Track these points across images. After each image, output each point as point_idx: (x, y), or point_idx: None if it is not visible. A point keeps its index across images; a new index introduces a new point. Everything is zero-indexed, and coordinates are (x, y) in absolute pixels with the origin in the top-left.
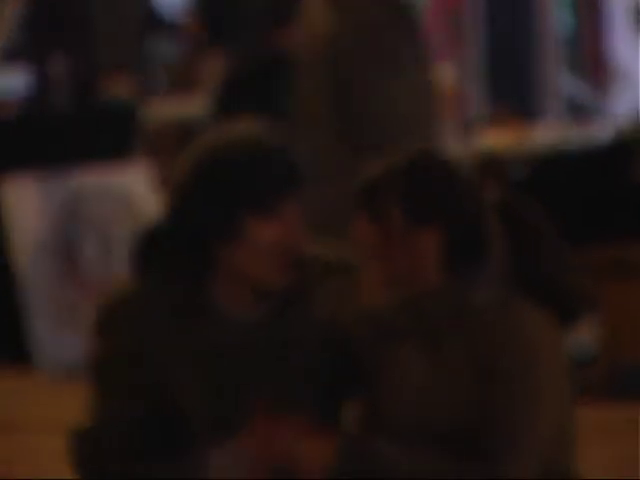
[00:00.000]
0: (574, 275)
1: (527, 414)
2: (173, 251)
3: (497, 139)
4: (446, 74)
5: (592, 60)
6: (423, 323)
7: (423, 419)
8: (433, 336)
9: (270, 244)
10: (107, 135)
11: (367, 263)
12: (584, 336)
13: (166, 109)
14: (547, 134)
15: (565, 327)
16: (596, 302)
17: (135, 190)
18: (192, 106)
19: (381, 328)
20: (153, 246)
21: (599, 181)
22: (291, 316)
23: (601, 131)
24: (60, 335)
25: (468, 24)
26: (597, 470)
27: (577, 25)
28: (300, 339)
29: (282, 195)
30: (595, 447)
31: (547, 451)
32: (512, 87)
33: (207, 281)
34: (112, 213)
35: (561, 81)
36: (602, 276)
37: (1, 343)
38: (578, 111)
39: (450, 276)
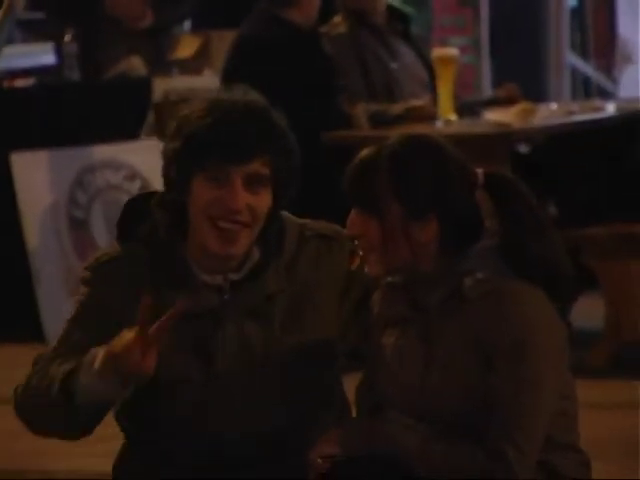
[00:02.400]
0: (566, 254)
1: (528, 398)
2: (153, 215)
3: (504, 117)
4: (455, 53)
5: (599, 40)
6: (418, 308)
7: (422, 404)
8: (427, 321)
9: (208, 204)
10: (120, 109)
11: (365, 255)
12: (587, 315)
13: (177, 85)
14: (554, 113)
15: (563, 307)
16: (597, 280)
17: (145, 163)
18: (202, 82)
19: (376, 313)
20: (138, 214)
21: (604, 159)
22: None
23: (607, 110)
24: (68, 308)
25: (477, 3)
26: (598, 447)
27: (583, 5)
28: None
29: (230, 162)
30: (596, 425)
31: (549, 430)
32: (519, 67)
33: (181, 247)
34: (121, 185)
35: (568, 61)
36: (606, 254)
37: (16, 318)
38: (585, 91)
39: (445, 261)
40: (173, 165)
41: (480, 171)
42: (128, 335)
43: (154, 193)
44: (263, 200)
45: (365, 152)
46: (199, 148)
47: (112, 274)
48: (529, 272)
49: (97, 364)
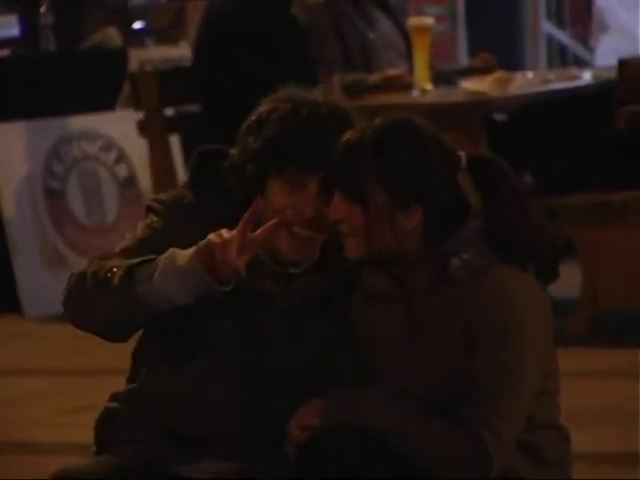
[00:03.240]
0: (549, 229)
1: (508, 383)
2: (225, 181)
3: (480, 86)
4: (430, 22)
5: (575, 9)
6: (402, 287)
7: (403, 380)
8: (412, 300)
9: (283, 208)
10: (96, 80)
11: (346, 239)
12: (564, 283)
13: (153, 55)
14: (530, 81)
15: (545, 281)
16: (575, 248)
17: (121, 133)
18: (178, 52)
19: (362, 288)
20: (210, 165)
21: (580, 128)
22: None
23: (583, 79)
24: (45, 279)
25: None
26: (578, 416)
27: None
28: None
29: (309, 171)
30: (576, 393)
31: (531, 410)
32: (495, 36)
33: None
34: (97, 155)
35: (544, 30)
36: (583, 222)
37: None
38: (561, 59)
39: (430, 245)
40: (251, 164)
41: (462, 154)
42: (227, 233)
43: (224, 153)
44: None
45: (348, 137)
46: (280, 152)
47: (186, 217)
48: (514, 254)
49: (180, 260)
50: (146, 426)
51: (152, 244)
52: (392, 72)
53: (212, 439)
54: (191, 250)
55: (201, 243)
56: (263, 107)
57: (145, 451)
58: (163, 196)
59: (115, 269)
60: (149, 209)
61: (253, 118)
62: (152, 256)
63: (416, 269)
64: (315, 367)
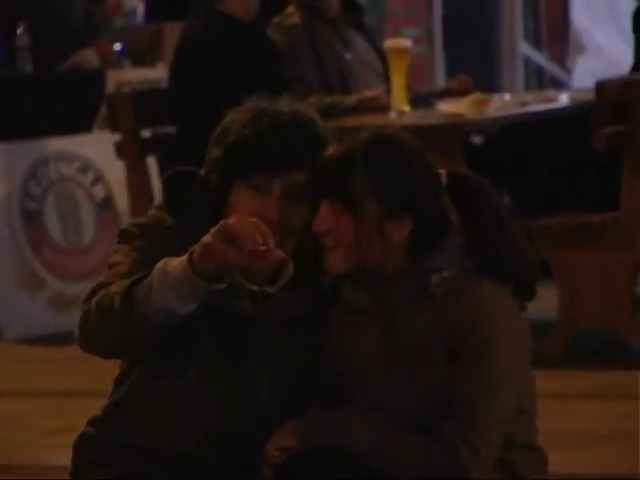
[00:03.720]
0: (527, 248)
1: (486, 398)
2: (198, 200)
3: (457, 108)
4: (408, 44)
5: (552, 30)
6: (382, 303)
7: (382, 398)
8: (391, 316)
9: (245, 213)
10: (73, 101)
11: (330, 251)
12: (541, 305)
13: (130, 77)
14: (507, 103)
15: (523, 299)
16: (552, 270)
17: (98, 155)
18: (156, 74)
19: (341, 305)
20: (182, 186)
21: (558, 150)
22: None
23: (560, 101)
24: (22, 301)
25: None
26: (554, 438)
27: None
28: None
29: (272, 175)
30: (551, 415)
31: (508, 429)
32: (472, 58)
33: None
34: (74, 177)
35: (521, 51)
36: (560, 244)
37: None
38: (539, 81)
39: (413, 259)
40: (214, 173)
41: (443, 171)
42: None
43: (194, 174)
44: (301, 212)
45: (335, 149)
46: (241, 158)
47: (168, 240)
48: (494, 268)
49: (172, 271)
50: (121, 447)
51: (145, 263)
52: (369, 93)
53: (192, 458)
54: (182, 258)
55: (211, 239)
56: (227, 118)
57: (120, 474)
58: (141, 220)
59: (115, 294)
60: (126, 233)
61: (218, 129)
62: (146, 272)
63: (397, 285)
64: (296, 384)
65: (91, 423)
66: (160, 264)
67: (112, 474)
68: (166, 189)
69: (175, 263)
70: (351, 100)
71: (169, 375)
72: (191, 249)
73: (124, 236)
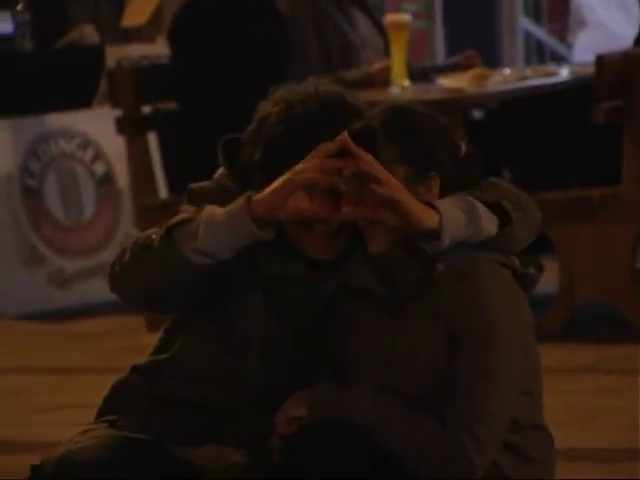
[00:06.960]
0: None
1: (487, 386)
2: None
3: (457, 82)
4: (407, 18)
5: (552, 5)
6: (387, 286)
7: (386, 378)
8: (396, 299)
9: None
10: (73, 77)
11: (371, 230)
12: (541, 279)
13: (130, 52)
14: (508, 78)
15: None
16: (552, 244)
17: (98, 131)
18: (155, 49)
19: (348, 289)
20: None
21: (558, 124)
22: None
23: (561, 75)
24: (22, 277)
25: None
26: (554, 412)
27: None
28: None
29: None
30: (551, 390)
31: (515, 412)
32: (472, 32)
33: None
34: (74, 153)
35: (522, 26)
36: (560, 218)
37: None
38: (539, 56)
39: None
40: (257, 175)
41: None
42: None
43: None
44: None
45: (355, 127)
46: (279, 158)
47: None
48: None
49: (221, 216)
50: (155, 398)
51: None
52: (378, 65)
53: (227, 409)
54: (235, 203)
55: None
56: (258, 114)
57: (148, 425)
58: (206, 184)
59: (154, 235)
60: (194, 193)
61: (250, 127)
62: (187, 216)
63: (405, 269)
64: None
65: (134, 370)
66: (208, 209)
67: (152, 424)
68: (226, 156)
69: (223, 210)
70: (353, 75)
71: (218, 339)
72: (247, 194)
73: (192, 196)
